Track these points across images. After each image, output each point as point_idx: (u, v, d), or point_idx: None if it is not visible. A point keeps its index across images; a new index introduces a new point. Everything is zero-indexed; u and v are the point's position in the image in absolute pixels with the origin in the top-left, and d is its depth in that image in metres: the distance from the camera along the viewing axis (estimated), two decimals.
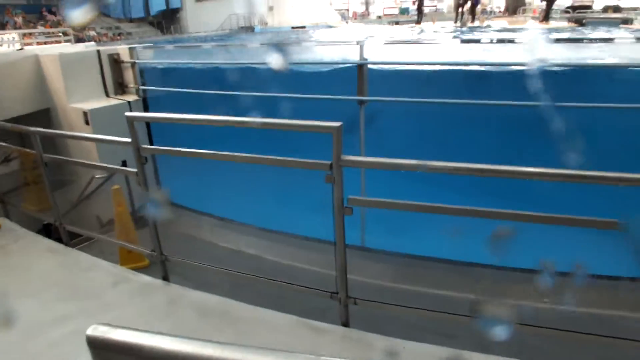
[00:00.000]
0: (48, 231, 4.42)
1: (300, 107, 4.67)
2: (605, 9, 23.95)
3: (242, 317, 2.45)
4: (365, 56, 4.34)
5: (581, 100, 3.69)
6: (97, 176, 4.22)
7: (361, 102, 4.42)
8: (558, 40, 5.46)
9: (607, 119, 4.00)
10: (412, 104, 4.46)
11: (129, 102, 5.67)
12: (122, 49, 6.06)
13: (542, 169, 1.72)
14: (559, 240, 2.55)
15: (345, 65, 4.73)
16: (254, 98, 4.84)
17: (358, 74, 4.44)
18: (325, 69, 5.15)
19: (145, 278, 2.88)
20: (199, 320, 2.46)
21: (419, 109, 4.69)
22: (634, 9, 22.89)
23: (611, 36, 6.16)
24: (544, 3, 29.47)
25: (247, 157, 2.25)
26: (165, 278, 2.87)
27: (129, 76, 6.01)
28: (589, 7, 26.08)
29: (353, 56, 4.44)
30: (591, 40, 4.81)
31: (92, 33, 23.31)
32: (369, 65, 4.40)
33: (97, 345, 0.75)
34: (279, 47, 6.12)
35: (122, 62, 5.99)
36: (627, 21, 13.74)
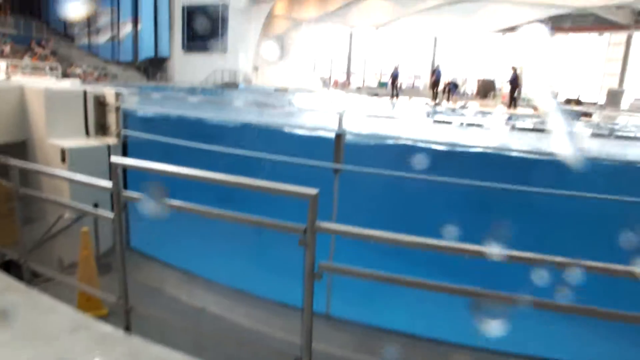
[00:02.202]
0: (7, 267, 4.30)
1: (277, 166, 4.84)
2: (568, 101, 25.79)
3: None
4: (343, 127, 4.58)
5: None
6: (65, 216, 4.18)
7: (336, 171, 4.60)
8: (521, 130, 5.92)
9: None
10: (386, 176, 4.67)
11: (108, 145, 5.71)
12: (108, 91, 6.16)
13: (514, 252, 1.85)
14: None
15: (324, 134, 4.95)
16: (232, 154, 4.97)
17: (335, 143, 4.65)
18: (305, 134, 5.37)
19: (106, 327, 2.80)
20: None
21: (392, 182, 4.90)
22: (593, 104, 24.73)
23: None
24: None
25: (223, 214, 2.34)
26: (128, 328, 2.83)
27: (112, 119, 6.08)
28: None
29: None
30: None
31: (79, 70, 23.48)
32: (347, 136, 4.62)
33: None
34: (262, 107, 6.37)
35: (107, 104, 6.09)
36: (587, 114, 14.81)
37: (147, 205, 2.47)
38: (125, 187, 5.21)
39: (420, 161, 4.76)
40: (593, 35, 29.13)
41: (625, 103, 24.93)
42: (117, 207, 2.66)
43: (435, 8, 22.13)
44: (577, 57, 30.99)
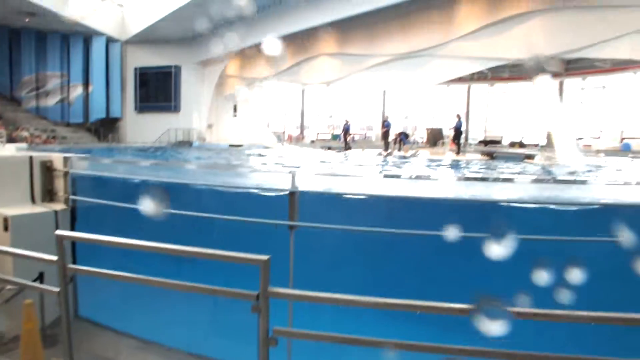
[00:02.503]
0: None
1: (231, 226, 4.83)
2: (512, 144, 27.21)
3: None
4: (296, 184, 4.67)
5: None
6: (8, 287, 3.97)
7: (291, 227, 4.64)
8: (467, 179, 6.19)
9: None
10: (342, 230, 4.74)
11: (55, 211, 5.53)
12: (56, 156, 6.04)
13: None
14: None
15: (278, 192, 5.01)
16: (186, 217, 4.92)
17: (289, 201, 4.72)
18: (258, 193, 5.41)
19: None
20: None
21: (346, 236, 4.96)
22: (535, 145, 26.20)
23: (511, 177, 7.03)
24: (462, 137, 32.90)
25: (176, 284, 2.31)
26: None
27: (60, 184, 5.93)
28: (499, 141, 29.54)
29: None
30: (495, 180, 5.48)
31: (25, 134, 22.87)
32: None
33: None
34: (216, 168, 6.40)
35: (55, 169, 5.95)
36: (530, 156, 15.56)
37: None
38: (74, 255, 5.07)
39: (370, 214, 4.88)
40: (529, 83, 31.27)
41: (564, 142, 26.56)
42: (62, 282, 2.57)
43: (383, 64, 23.23)
44: (517, 103, 33.11)
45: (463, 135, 19.95)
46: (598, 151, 19.90)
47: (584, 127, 28.97)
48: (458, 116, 19.35)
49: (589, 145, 25.14)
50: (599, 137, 27.83)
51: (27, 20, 24.78)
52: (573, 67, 26.63)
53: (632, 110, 26.49)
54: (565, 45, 17.34)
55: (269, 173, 6.17)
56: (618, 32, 15.62)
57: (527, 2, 17.26)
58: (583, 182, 5.90)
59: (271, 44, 22.70)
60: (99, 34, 28.41)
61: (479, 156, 17.07)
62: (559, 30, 16.86)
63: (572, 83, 29.26)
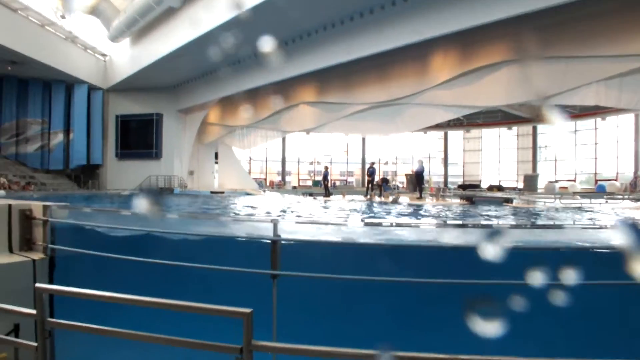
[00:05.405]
0: None
1: (215, 276, 4.80)
2: (491, 188, 27.75)
3: None
4: (278, 232, 4.70)
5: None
6: None
7: (274, 276, 4.64)
8: (452, 225, 6.30)
9: None
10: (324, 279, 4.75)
11: (33, 261, 5.44)
12: (35, 205, 5.99)
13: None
14: None
15: (260, 240, 5.03)
16: (166, 267, 4.89)
17: (272, 249, 4.74)
18: (241, 241, 5.42)
19: None
20: None
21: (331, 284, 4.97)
22: (513, 189, 26.79)
23: (489, 223, 7.18)
24: (440, 181, 33.48)
25: (159, 337, 2.30)
26: None
27: (39, 233, 5.86)
28: (478, 185, 30.12)
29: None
30: (474, 226, 5.61)
31: (3, 180, 22.55)
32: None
33: None
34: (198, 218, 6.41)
35: (34, 218, 5.89)
36: (508, 200, 15.77)
37: None
38: (52, 306, 4.96)
39: (357, 261, 4.92)
40: (503, 129, 32.43)
41: (540, 185, 27.30)
42: (41, 337, 2.54)
43: (361, 112, 23.83)
44: (492, 148, 34.12)
45: (440, 181, 20.29)
46: (574, 193, 20.40)
47: (559, 170, 29.93)
48: (420, 161, 19.72)
49: (565, 188, 25.80)
50: (574, 180, 28.67)
51: (9, 68, 24.91)
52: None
53: (604, 153, 27.53)
54: (535, 94, 18.10)
55: (250, 222, 6.21)
56: (585, 80, 16.41)
57: (498, 52, 18.09)
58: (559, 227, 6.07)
59: (251, 92, 23.22)
60: (81, 82, 28.67)
61: (458, 201, 17.30)
62: (529, 79, 17.65)
63: (544, 128, 30.47)
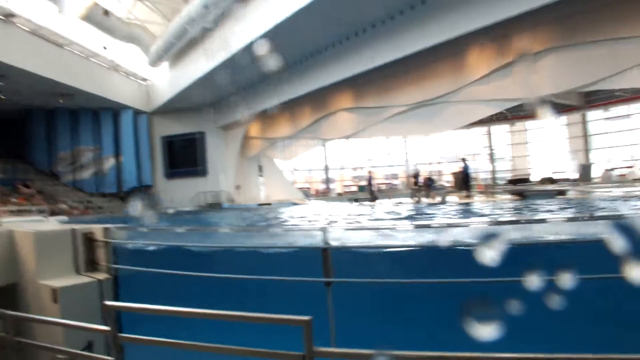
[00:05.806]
0: None
1: (270, 286, 4.88)
2: (542, 181, 26.66)
3: None
4: (328, 240, 4.74)
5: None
6: (58, 356, 4.09)
7: (328, 284, 4.67)
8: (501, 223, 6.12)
9: None
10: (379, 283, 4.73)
11: (99, 280, 5.72)
12: (96, 228, 6.30)
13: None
14: None
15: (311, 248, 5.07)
16: (223, 280, 5.02)
17: (323, 257, 4.77)
18: (292, 251, 5.49)
19: None
20: None
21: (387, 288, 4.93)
22: (566, 180, 25.63)
23: (544, 217, 6.94)
24: (489, 178, 32.57)
25: (224, 348, 2.38)
26: None
27: (101, 254, 6.16)
28: (527, 179, 29.09)
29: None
30: (528, 221, 5.45)
31: (64, 206, 23.80)
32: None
33: None
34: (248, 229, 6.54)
35: (96, 240, 6.19)
36: (562, 192, 15.07)
37: None
38: (119, 323, 5.19)
39: (411, 265, 4.87)
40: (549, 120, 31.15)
41: (595, 174, 26.01)
42: (115, 351, 2.68)
43: (400, 114, 23.58)
44: (542, 139, 32.92)
45: (488, 177, 19.73)
46: (634, 180, 19.33)
47: (615, 157, 28.48)
48: (463, 159, 19.28)
49: (624, 175, 24.52)
50: (632, 167, 27.17)
51: (60, 100, 26.34)
52: (593, 99, 26.57)
53: None
54: (578, 80, 17.36)
55: (300, 231, 6.28)
56: (631, 63, 15.61)
57: (540, 41, 17.50)
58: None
59: (289, 103, 23.48)
60: (126, 107, 29.97)
61: (509, 196, 16.79)
62: (571, 66, 16.94)
63: (595, 115, 29.11)
